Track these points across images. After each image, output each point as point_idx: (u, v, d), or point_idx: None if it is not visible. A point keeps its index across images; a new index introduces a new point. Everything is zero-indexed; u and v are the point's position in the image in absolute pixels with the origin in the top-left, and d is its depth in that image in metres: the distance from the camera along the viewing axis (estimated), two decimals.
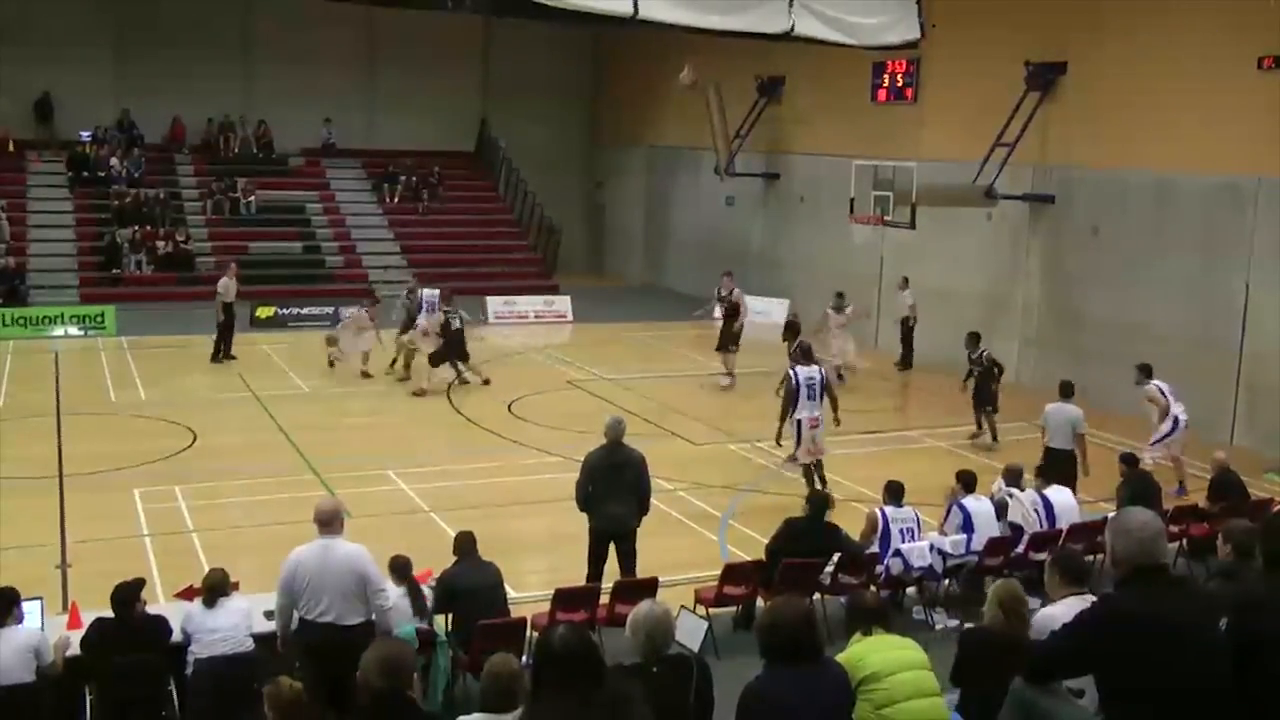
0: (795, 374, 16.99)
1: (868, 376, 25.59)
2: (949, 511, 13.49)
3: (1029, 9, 25.08)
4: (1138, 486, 14.70)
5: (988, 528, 13.26)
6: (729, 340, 24.82)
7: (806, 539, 12.26)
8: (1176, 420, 17.69)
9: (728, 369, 24.76)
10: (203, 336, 28.51)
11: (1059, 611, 7.57)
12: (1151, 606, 5.18)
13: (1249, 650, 5.33)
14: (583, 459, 12.86)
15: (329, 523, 9.30)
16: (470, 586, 10.50)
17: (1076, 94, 24.53)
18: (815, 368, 17.15)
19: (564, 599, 10.99)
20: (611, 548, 12.56)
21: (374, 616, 9.19)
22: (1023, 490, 13.96)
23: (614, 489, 12.51)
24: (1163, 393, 17.95)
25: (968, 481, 13.79)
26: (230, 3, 38.80)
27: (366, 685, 5.86)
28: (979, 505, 13.45)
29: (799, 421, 16.76)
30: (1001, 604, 7.80)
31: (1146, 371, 18.59)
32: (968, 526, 13.23)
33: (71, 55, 36.98)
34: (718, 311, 25.39)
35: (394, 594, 9.82)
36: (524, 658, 10.51)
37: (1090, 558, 13.60)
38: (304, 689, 7.64)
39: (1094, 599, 7.64)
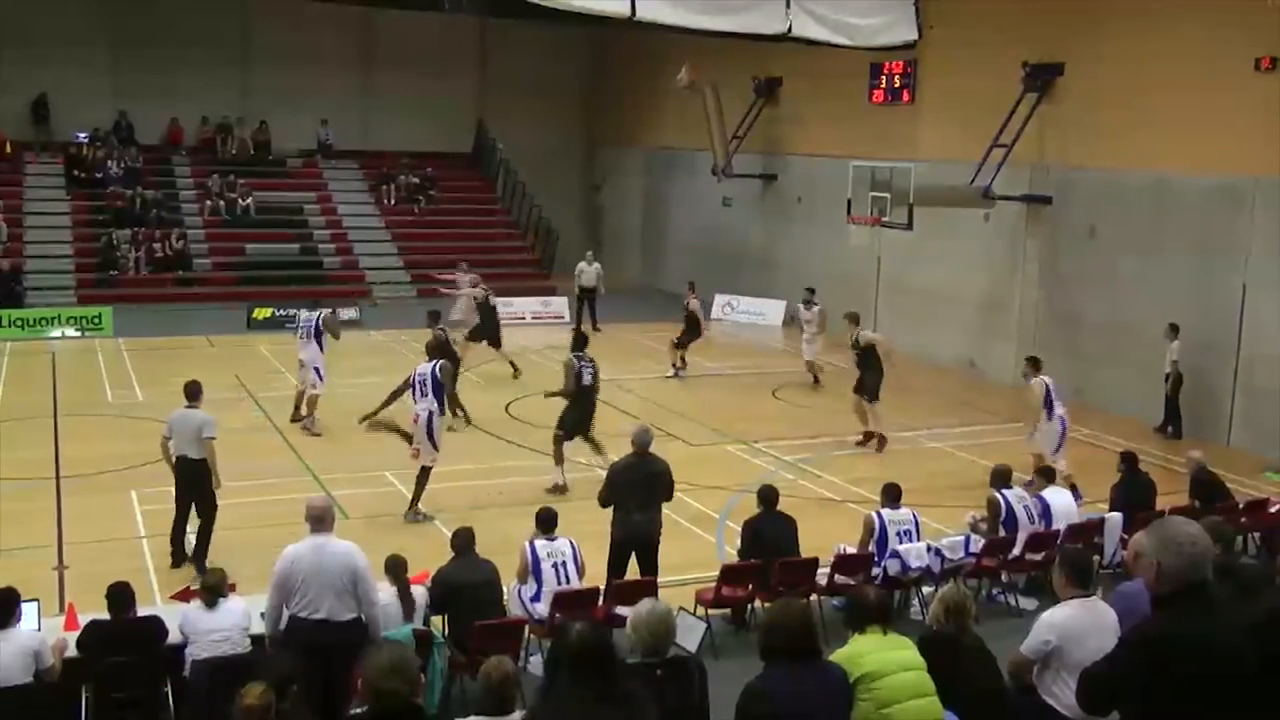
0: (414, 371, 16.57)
1: None
2: (996, 509, 13.59)
3: (1026, 10, 25.08)
4: (1133, 487, 14.70)
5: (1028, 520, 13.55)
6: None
7: (767, 534, 12.44)
8: (1063, 422, 17.54)
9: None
10: (200, 338, 28.58)
11: (1058, 617, 7.57)
12: (1199, 628, 5.05)
13: (1271, 670, 5.21)
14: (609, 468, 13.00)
15: (322, 519, 9.39)
16: (466, 582, 10.56)
17: (1074, 95, 24.53)
18: (425, 365, 16.43)
19: (563, 602, 10.98)
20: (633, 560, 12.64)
21: (363, 615, 9.24)
22: (1011, 489, 13.94)
23: (641, 499, 12.56)
24: (1047, 391, 17.65)
25: (1003, 474, 13.92)
26: (227, 4, 38.73)
27: (373, 690, 5.85)
28: (1017, 497, 13.74)
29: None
30: (946, 607, 8.01)
31: (1036, 365, 18.23)
32: (1009, 520, 13.43)
33: (68, 56, 36.98)
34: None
35: (386, 594, 9.85)
36: (520, 661, 10.56)
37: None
38: (297, 690, 7.65)
39: (1097, 600, 7.66)
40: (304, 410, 20.73)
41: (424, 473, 16.02)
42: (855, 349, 20.72)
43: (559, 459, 17.52)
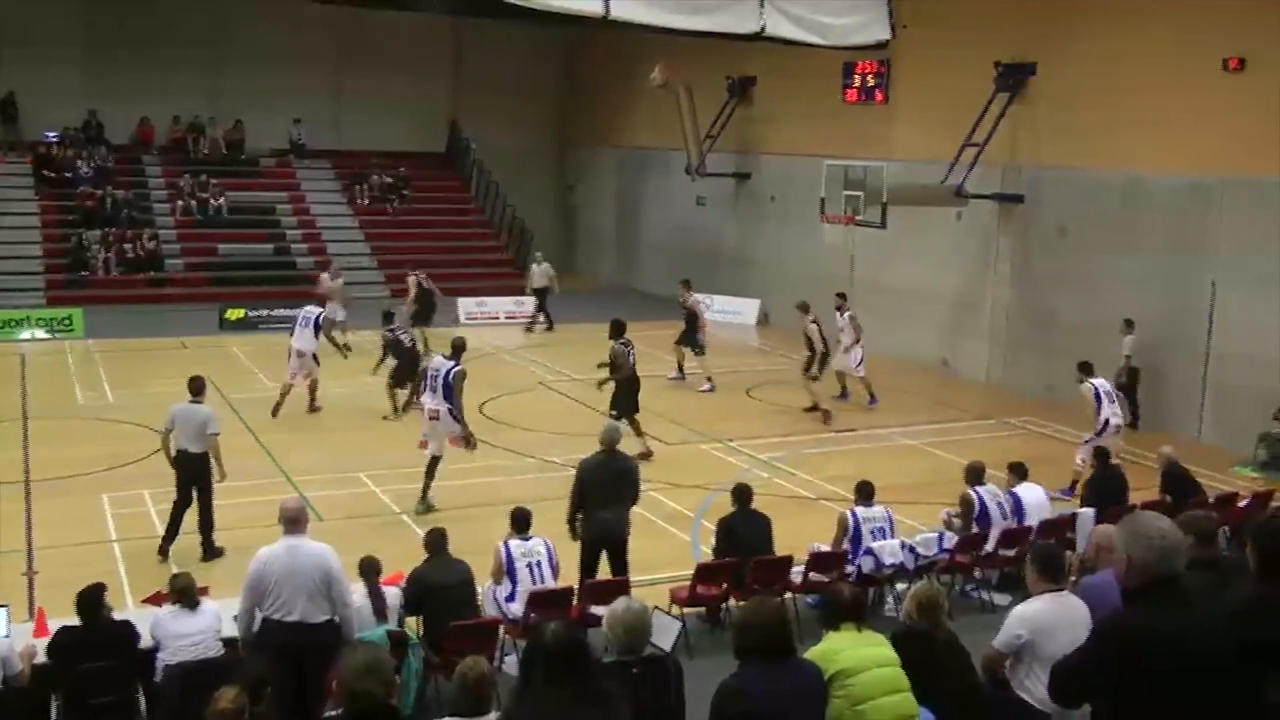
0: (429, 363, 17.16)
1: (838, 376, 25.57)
2: (969, 506, 13.62)
3: (999, 11, 25.17)
4: (1105, 483, 14.76)
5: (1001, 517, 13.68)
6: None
7: (741, 532, 12.48)
8: (1106, 422, 17.69)
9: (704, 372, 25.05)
10: (172, 339, 28.42)
11: (1030, 611, 7.61)
12: (1172, 623, 5.06)
13: (1248, 658, 5.20)
14: (577, 467, 12.95)
15: (296, 521, 9.38)
16: (440, 583, 10.55)
17: (1045, 95, 24.64)
18: (442, 361, 16.53)
19: (538, 601, 10.97)
20: (604, 561, 12.64)
21: (336, 617, 9.22)
22: (984, 486, 14.00)
23: (610, 497, 12.58)
24: (1097, 394, 17.91)
25: (977, 470, 14.00)
26: (200, 3, 38.57)
27: (349, 692, 5.84)
28: (990, 493, 13.84)
29: (424, 409, 16.72)
30: (919, 603, 8.09)
31: (1086, 370, 18.61)
32: (983, 517, 13.50)
33: (38, 55, 36.73)
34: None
35: (359, 595, 9.83)
36: (495, 661, 10.54)
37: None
38: (271, 693, 7.62)
39: (1068, 594, 7.69)
40: (311, 399, 21.96)
41: (433, 462, 16.38)
42: (806, 337, 22.95)
43: (637, 433, 19.03)
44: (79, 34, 37.68)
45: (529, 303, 33.97)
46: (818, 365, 22.76)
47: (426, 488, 16.31)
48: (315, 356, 21.82)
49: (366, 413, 21.88)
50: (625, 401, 19.39)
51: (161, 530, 14.85)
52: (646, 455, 18.66)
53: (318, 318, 22.04)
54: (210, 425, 14.20)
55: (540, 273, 32.12)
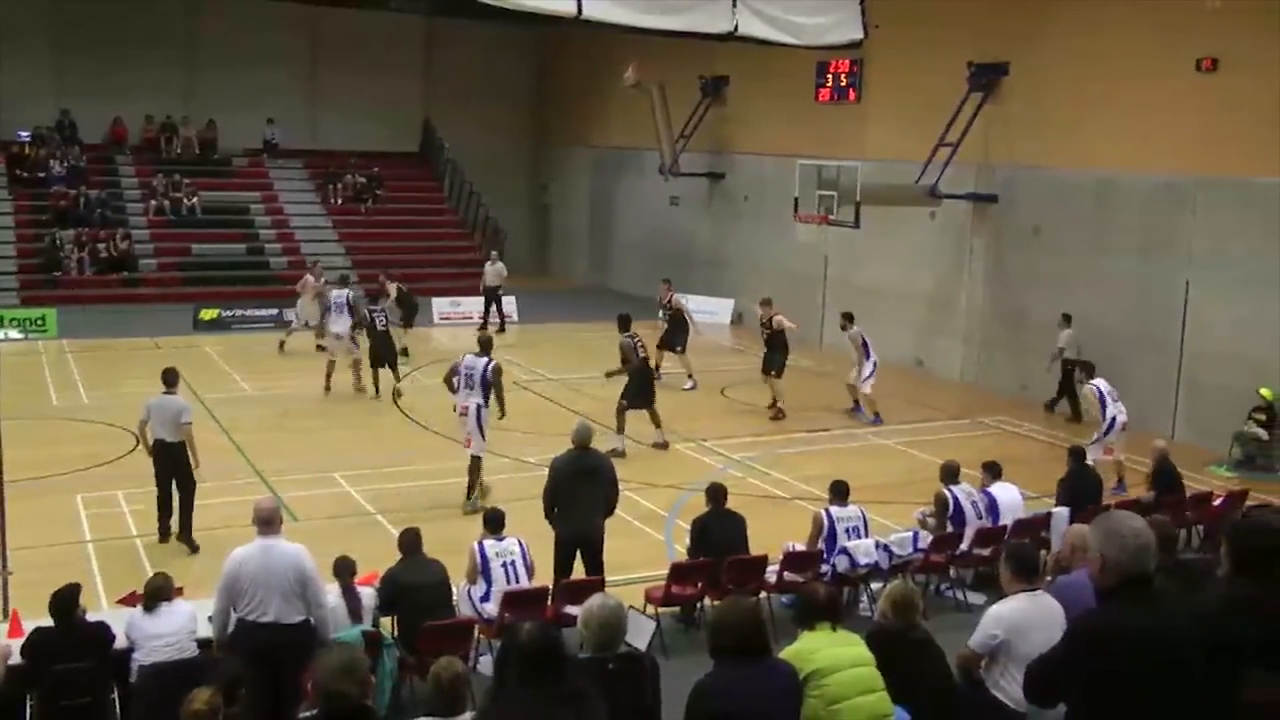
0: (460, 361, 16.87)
1: (813, 376, 25.61)
2: (944, 505, 13.70)
3: (971, 11, 25.25)
4: (1078, 482, 14.85)
5: (976, 516, 13.76)
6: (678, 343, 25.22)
7: (716, 532, 12.49)
8: (1114, 421, 17.88)
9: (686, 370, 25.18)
10: (145, 339, 28.26)
11: (1005, 611, 7.64)
12: (1146, 621, 5.10)
13: (1220, 657, 5.22)
14: (550, 464, 12.98)
15: (270, 522, 9.36)
16: (414, 583, 10.55)
17: (1018, 94, 24.73)
18: (475, 359, 16.48)
19: (512, 601, 10.97)
20: (578, 559, 12.64)
21: (311, 617, 9.21)
22: (959, 485, 14.06)
23: (582, 494, 12.59)
24: (1100, 395, 18.15)
25: (951, 470, 14.07)
26: (173, 3, 38.40)
27: (324, 692, 5.83)
28: (965, 492, 13.91)
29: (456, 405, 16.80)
30: (893, 603, 8.14)
31: (1089, 371, 19.06)
32: (958, 516, 13.59)
33: (10, 53, 36.43)
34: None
35: (334, 596, 9.82)
36: (470, 661, 10.54)
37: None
38: (246, 693, 7.61)
39: (1043, 594, 7.72)
40: (360, 380, 23.24)
41: (475, 461, 16.43)
42: (765, 329, 22.81)
43: (620, 429, 19.49)
44: (51, 33, 37.42)
45: (504, 302, 33.89)
46: (779, 364, 22.54)
47: (472, 485, 16.45)
48: (354, 338, 23.09)
49: (342, 412, 21.84)
50: (636, 392, 19.93)
51: (137, 531, 14.86)
52: (663, 445, 19.95)
53: (348, 298, 23.32)
54: (184, 415, 14.44)
55: (493, 272, 31.85)
